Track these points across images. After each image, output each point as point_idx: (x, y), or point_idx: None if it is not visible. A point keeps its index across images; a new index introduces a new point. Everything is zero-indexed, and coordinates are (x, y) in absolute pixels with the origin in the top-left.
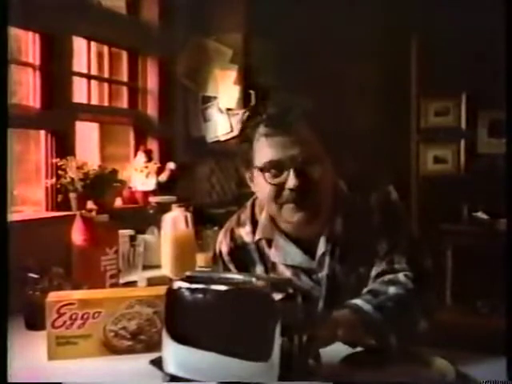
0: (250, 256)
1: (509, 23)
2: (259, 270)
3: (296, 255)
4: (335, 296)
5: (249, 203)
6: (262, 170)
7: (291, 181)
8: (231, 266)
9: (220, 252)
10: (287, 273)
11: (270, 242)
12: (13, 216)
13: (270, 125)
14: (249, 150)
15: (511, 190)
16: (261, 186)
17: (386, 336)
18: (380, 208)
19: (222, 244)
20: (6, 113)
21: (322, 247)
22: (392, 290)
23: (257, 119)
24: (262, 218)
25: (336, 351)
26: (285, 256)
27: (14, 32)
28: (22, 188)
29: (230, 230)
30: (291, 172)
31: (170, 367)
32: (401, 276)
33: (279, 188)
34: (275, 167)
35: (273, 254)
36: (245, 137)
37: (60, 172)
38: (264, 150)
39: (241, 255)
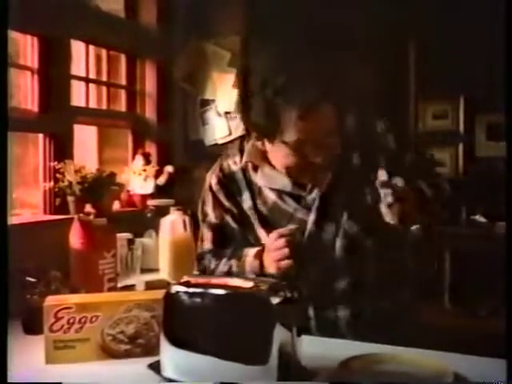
0: (237, 183)
1: (508, 26)
2: (246, 196)
3: (282, 180)
4: (325, 218)
5: (238, 140)
6: (288, 144)
7: (315, 158)
8: (220, 196)
9: (210, 186)
10: (272, 196)
11: (256, 169)
12: (11, 219)
13: (300, 107)
14: (275, 124)
15: (511, 193)
16: (277, 153)
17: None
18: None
19: (212, 178)
20: (5, 116)
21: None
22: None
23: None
24: (249, 145)
25: (335, 354)
26: (270, 180)
27: (12, 35)
28: (20, 191)
29: (219, 164)
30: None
31: (168, 371)
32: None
33: (299, 160)
34: (301, 145)
35: (258, 178)
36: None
37: (58, 175)
38: (293, 129)
39: (229, 183)
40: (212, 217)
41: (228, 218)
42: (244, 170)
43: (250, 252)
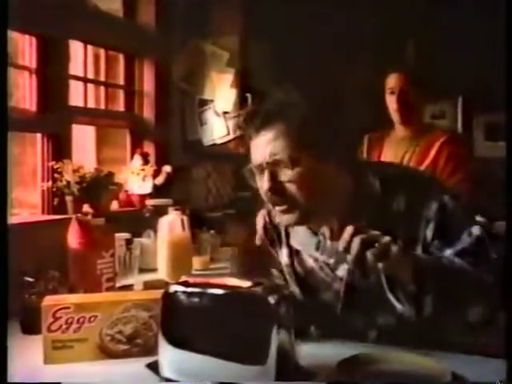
0: (280, 237)
1: (508, 26)
2: (284, 252)
3: (312, 245)
4: (354, 293)
5: None
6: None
7: (265, 183)
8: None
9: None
10: (309, 261)
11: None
12: (10, 219)
13: (248, 129)
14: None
15: (511, 193)
16: None
17: (423, 295)
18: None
19: (260, 220)
20: (5, 116)
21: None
22: (458, 261)
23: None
24: None
25: (334, 354)
26: (304, 246)
27: (11, 35)
28: (18, 191)
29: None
30: (265, 174)
31: (166, 371)
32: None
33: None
34: (258, 171)
35: (292, 240)
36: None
37: (56, 175)
38: (252, 153)
39: (273, 232)
40: None
41: None
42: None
43: None
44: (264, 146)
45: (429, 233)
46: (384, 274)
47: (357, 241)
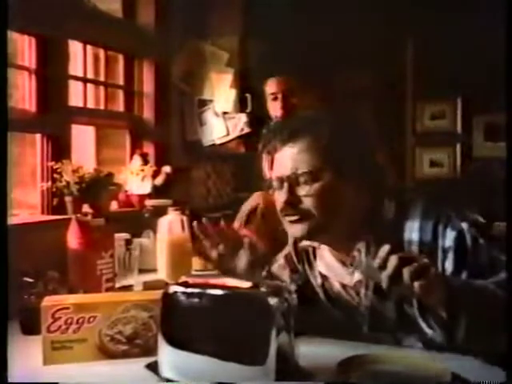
0: (310, 259)
1: (508, 27)
2: (317, 273)
3: (338, 269)
4: (378, 316)
5: None
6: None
7: (282, 195)
8: (294, 262)
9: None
10: (337, 285)
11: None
12: (10, 219)
13: (267, 143)
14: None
15: (511, 194)
16: None
17: (456, 320)
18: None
19: (291, 240)
20: (5, 116)
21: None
22: (492, 286)
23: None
24: None
25: (333, 354)
26: (329, 270)
27: (10, 35)
28: (17, 191)
29: None
30: (284, 187)
31: (166, 371)
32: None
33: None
34: (278, 183)
35: (319, 265)
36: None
37: (56, 175)
38: (274, 166)
39: (302, 253)
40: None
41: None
42: (314, 248)
43: None
44: (287, 159)
45: (447, 264)
46: (416, 297)
47: (394, 258)
